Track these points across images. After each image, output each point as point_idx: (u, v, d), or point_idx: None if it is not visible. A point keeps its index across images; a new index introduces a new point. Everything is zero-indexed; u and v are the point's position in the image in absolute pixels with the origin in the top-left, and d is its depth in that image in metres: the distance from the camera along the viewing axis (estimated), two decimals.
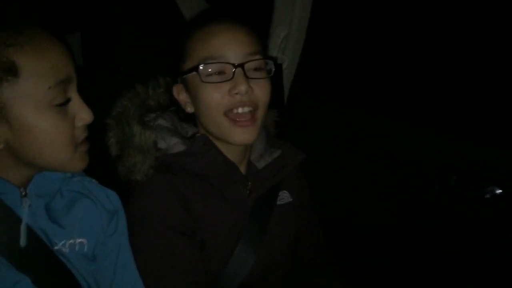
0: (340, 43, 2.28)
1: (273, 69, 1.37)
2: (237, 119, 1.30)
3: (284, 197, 1.49)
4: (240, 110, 1.30)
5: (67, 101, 1.13)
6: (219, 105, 1.30)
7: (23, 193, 1.15)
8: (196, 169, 1.34)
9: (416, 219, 1.85)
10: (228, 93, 1.29)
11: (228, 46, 1.30)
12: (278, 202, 1.46)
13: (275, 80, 1.42)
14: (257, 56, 1.32)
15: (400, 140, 1.91)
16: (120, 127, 1.36)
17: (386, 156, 1.94)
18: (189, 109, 1.39)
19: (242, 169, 1.43)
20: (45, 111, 1.09)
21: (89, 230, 1.24)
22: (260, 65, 1.33)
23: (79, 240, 1.22)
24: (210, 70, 1.30)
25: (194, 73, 1.31)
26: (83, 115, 1.16)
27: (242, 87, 1.27)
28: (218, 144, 1.38)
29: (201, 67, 1.29)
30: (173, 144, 1.35)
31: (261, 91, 1.32)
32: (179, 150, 1.34)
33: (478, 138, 1.72)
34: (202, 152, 1.34)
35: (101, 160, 1.31)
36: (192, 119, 1.43)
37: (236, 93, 1.28)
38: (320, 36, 2.28)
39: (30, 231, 1.14)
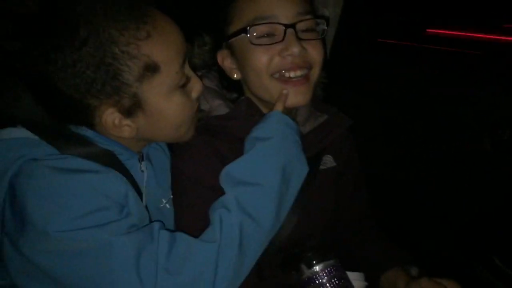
0: None
1: (326, 29, 1.30)
2: (289, 80, 1.26)
3: (327, 161, 1.46)
4: (292, 74, 1.25)
5: (189, 80, 1.18)
6: (268, 68, 1.25)
7: (140, 158, 1.25)
8: (238, 133, 1.30)
9: (465, 178, 1.81)
10: (279, 54, 1.24)
11: (278, 6, 1.23)
12: (322, 167, 1.43)
13: None
14: (309, 16, 1.26)
15: (448, 94, 1.85)
16: None
17: (434, 111, 1.89)
18: (236, 75, 1.34)
19: None
20: (173, 94, 1.15)
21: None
22: (312, 25, 1.27)
23: (171, 196, 1.32)
24: (259, 32, 1.24)
25: (242, 35, 1.26)
26: (197, 86, 1.22)
27: (295, 49, 1.22)
28: (263, 108, 1.35)
29: (249, 29, 1.23)
30: (216, 106, 1.33)
31: (315, 50, 1.26)
32: (221, 113, 1.32)
33: None
34: (245, 116, 1.31)
35: None
36: (237, 87, 1.39)
37: (289, 55, 1.23)
38: None
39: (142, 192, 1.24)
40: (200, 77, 1.36)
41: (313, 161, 1.41)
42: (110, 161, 1.15)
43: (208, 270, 1.07)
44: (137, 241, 1.04)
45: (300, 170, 1.22)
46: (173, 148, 1.35)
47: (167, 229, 1.12)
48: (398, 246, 1.51)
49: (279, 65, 1.25)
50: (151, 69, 1.09)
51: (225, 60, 1.35)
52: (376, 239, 1.53)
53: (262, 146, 1.18)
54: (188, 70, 1.20)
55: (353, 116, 1.46)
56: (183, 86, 1.17)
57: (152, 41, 1.08)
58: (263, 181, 1.15)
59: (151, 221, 1.17)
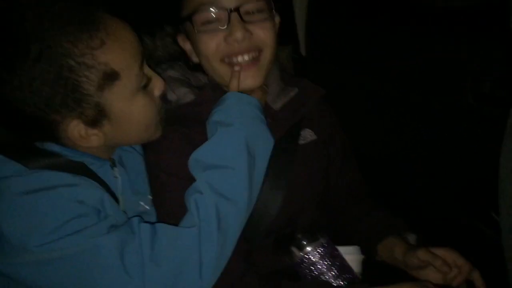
0: None
1: (273, 8, 1.28)
2: (237, 65, 1.25)
3: (307, 135, 1.43)
4: (240, 59, 1.25)
5: (149, 79, 1.17)
6: (215, 54, 1.25)
7: (112, 164, 1.23)
8: (207, 118, 1.28)
9: (450, 135, 1.79)
10: (224, 40, 1.23)
11: None
12: (302, 142, 1.41)
13: (285, 13, 1.33)
14: None
15: (429, 49, 1.81)
16: None
17: (415, 69, 1.85)
18: (194, 58, 1.34)
19: None
20: (136, 97, 1.13)
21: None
22: (260, 6, 1.25)
23: (149, 197, 1.30)
24: (203, 18, 1.23)
25: (188, 22, 1.26)
26: (158, 84, 1.21)
27: (238, 34, 1.20)
28: (227, 90, 1.32)
29: (193, 16, 1.24)
30: (183, 95, 1.32)
31: (264, 32, 1.25)
32: (188, 100, 1.31)
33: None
34: (211, 100, 1.29)
35: None
36: (201, 68, 1.37)
37: (233, 40, 1.22)
38: None
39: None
40: (165, 69, 1.35)
41: (290, 137, 1.39)
42: (82, 171, 1.13)
43: (193, 255, 1.07)
44: (118, 239, 1.03)
45: (264, 143, 1.22)
46: (146, 143, 1.31)
47: (146, 222, 1.11)
48: (394, 214, 1.49)
49: (226, 50, 1.24)
50: (111, 76, 1.07)
51: (185, 44, 1.35)
52: (372, 210, 1.50)
53: (224, 130, 1.19)
54: (147, 70, 1.18)
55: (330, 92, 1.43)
56: (145, 87, 1.16)
57: (108, 48, 1.05)
58: (230, 163, 1.16)
59: None
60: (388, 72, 1.97)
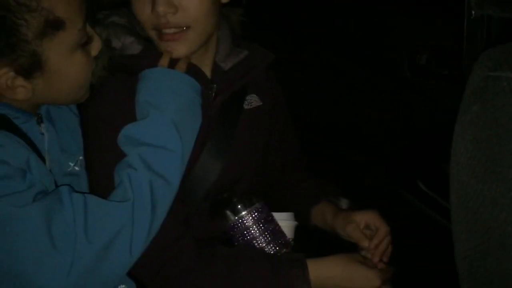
0: None
1: None
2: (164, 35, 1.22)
3: (253, 100, 1.42)
4: (167, 30, 1.21)
5: (90, 38, 1.12)
6: (146, 21, 1.21)
7: (39, 120, 1.16)
8: None
9: (388, 107, 1.84)
10: (152, 11, 1.19)
11: None
12: (246, 107, 1.40)
13: None
14: None
15: (368, 24, 1.83)
16: None
17: (354, 43, 1.88)
18: None
19: (207, 71, 1.34)
20: (75, 53, 1.08)
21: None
22: None
23: (81, 157, 1.25)
24: None
25: None
26: (96, 45, 1.15)
27: (160, 8, 1.16)
28: None
29: None
30: (128, 43, 1.26)
31: (192, 7, 1.19)
32: (134, 51, 1.26)
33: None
34: (159, 54, 1.25)
35: None
36: None
37: (157, 13, 1.17)
38: None
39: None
40: (109, 15, 1.30)
41: (236, 100, 1.38)
42: (4, 125, 1.06)
43: (125, 230, 1.04)
44: (44, 209, 0.97)
45: (194, 127, 1.21)
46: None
47: (76, 192, 1.06)
48: (327, 181, 1.52)
49: (154, 22, 1.20)
50: (54, 25, 1.00)
51: None
52: (306, 178, 1.55)
53: (157, 114, 1.15)
54: (89, 28, 1.13)
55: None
56: (84, 45, 1.11)
57: None
58: (165, 144, 1.14)
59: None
60: (328, 42, 1.98)
